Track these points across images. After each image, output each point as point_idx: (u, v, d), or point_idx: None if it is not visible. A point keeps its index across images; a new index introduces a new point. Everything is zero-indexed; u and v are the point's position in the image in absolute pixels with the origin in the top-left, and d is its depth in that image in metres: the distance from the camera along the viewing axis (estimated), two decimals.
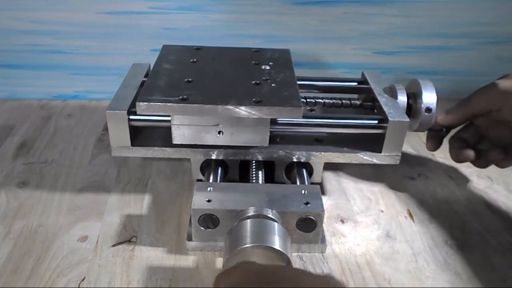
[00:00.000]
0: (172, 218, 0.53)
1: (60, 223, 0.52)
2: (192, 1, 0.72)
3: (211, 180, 0.52)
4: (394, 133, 0.51)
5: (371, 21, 0.75)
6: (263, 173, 0.54)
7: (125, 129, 0.51)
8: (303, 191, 0.48)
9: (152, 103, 0.47)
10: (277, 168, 0.56)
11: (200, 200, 0.46)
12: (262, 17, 0.74)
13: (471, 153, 0.55)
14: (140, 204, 0.55)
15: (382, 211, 0.56)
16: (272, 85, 0.52)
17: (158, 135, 0.54)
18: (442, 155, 0.67)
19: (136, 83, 0.56)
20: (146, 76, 0.58)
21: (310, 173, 0.55)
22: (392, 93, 0.57)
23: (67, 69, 0.76)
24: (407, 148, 0.69)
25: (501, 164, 0.55)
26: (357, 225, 0.53)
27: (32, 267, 0.46)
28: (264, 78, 0.53)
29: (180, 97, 0.48)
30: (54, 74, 0.77)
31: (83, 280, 0.45)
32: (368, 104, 0.58)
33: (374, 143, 0.53)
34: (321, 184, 0.59)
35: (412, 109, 0.56)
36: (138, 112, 0.48)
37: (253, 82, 0.52)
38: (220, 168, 0.54)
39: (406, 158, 0.66)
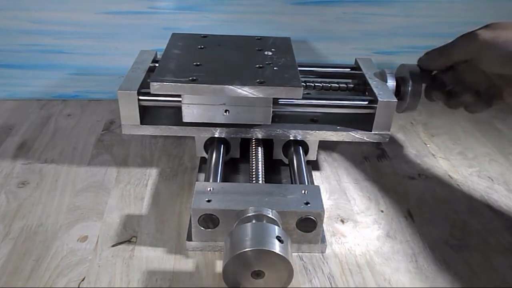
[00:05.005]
0: (172, 218, 0.53)
1: (60, 223, 0.52)
2: (192, 1, 0.72)
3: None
4: (383, 113, 0.55)
5: (371, 21, 0.75)
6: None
7: (135, 108, 0.54)
8: (303, 191, 0.48)
9: (164, 83, 0.51)
10: (275, 146, 0.60)
11: (200, 200, 0.47)
12: (262, 17, 0.74)
13: (439, 94, 0.58)
14: (140, 204, 0.55)
15: (382, 211, 0.56)
16: (274, 68, 0.55)
17: (165, 114, 0.58)
18: (442, 155, 0.67)
19: (144, 67, 0.60)
20: (153, 61, 0.63)
21: (306, 152, 0.59)
22: (382, 77, 0.60)
23: (67, 69, 0.76)
24: (407, 148, 0.69)
25: (470, 108, 0.57)
26: (357, 225, 0.53)
27: (32, 267, 0.46)
28: (266, 62, 0.57)
29: (190, 78, 0.51)
30: (54, 74, 0.77)
31: (83, 280, 0.45)
32: (360, 87, 0.63)
33: (365, 123, 0.57)
34: (315, 162, 0.63)
35: (400, 91, 0.60)
36: (152, 92, 0.51)
37: (257, 65, 0.56)
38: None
39: (406, 158, 0.66)
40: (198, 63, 0.55)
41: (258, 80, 0.51)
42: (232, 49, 0.61)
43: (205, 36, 0.64)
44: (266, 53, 0.59)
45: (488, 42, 0.50)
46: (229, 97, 0.53)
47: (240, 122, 0.55)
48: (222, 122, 0.55)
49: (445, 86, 0.58)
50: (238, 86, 0.50)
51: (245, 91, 0.51)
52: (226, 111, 0.54)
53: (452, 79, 0.58)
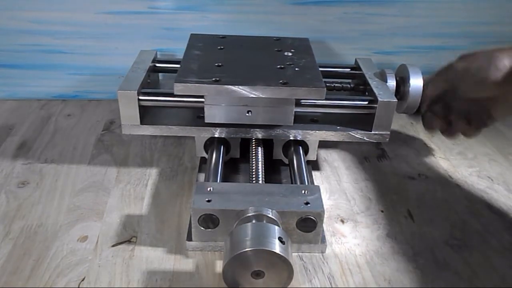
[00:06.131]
0: (172, 218, 0.53)
1: (60, 223, 0.52)
2: (192, 1, 0.72)
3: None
4: (383, 113, 0.55)
5: (371, 21, 0.75)
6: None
7: (135, 108, 0.54)
8: (303, 191, 0.48)
9: (188, 84, 0.51)
10: (275, 146, 0.60)
11: (200, 200, 0.47)
12: (262, 17, 0.74)
13: (439, 122, 0.60)
14: (140, 204, 0.55)
15: (382, 211, 0.56)
16: (296, 69, 0.56)
17: (165, 114, 0.58)
18: (442, 155, 0.67)
19: (144, 67, 0.60)
20: (153, 61, 0.64)
21: (306, 152, 0.59)
22: (382, 77, 0.60)
23: (67, 69, 0.76)
24: (407, 148, 0.69)
25: (467, 134, 0.60)
26: (357, 225, 0.53)
27: (32, 267, 0.46)
28: (287, 63, 0.57)
29: (213, 79, 0.51)
30: (54, 74, 0.77)
31: (83, 280, 0.45)
32: (360, 87, 0.63)
33: (365, 123, 0.57)
34: (315, 162, 0.63)
35: (400, 91, 0.60)
36: (175, 93, 0.52)
37: (278, 66, 0.56)
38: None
39: (406, 158, 0.66)
40: (220, 64, 0.55)
41: (281, 81, 0.52)
42: (252, 49, 0.61)
43: (223, 37, 0.65)
44: (285, 53, 0.60)
45: (462, 72, 0.55)
46: (252, 97, 0.52)
47: (262, 123, 0.55)
48: (245, 122, 0.55)
49: (440, 117, 0.61)
50: (263, 87, 0.51)
51: (270, 92, 0.51)
52: (248, 111, 0.54)
53: (444, 110, 0.60)
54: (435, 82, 0.59)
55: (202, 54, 0.59)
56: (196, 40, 0.63)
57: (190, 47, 0.61)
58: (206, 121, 0.55)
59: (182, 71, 0.53)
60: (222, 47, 0.61)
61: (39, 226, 0.51)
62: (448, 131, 0.61)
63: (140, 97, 0.54)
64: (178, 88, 0.51)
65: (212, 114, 0.55)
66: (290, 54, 0.60)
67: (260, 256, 0.41)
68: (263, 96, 0.51)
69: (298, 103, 0.57)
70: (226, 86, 0.51)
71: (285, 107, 0.54)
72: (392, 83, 0.59)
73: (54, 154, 0.64)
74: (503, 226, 0.54)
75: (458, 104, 0.59)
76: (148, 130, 0.56)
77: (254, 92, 0.51)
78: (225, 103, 0.54)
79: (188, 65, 0.55)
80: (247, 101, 0.54)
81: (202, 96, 0.54)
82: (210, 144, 0.59)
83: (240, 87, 0.51)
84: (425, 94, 0.59)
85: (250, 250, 0.40)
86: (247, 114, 0.54)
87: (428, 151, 0.68)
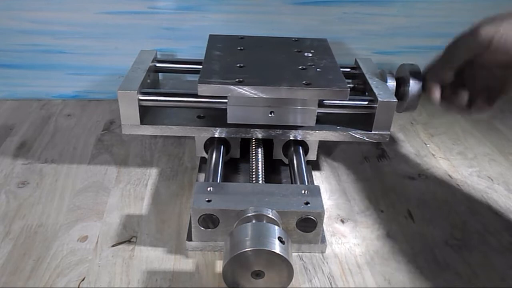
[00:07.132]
0: (172, 218, 0.53)
1: (60, 223, 0.52)
2: (192, 1, 0.72)
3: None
4: (383, 113, 0.55)
5: (371, 21, 0.75)
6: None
7: (135, 108, 0.54)
8: (303, 191, 0.48)
9: (212, 85, 0.51)
10: (275, 146, 0.60)
11: (200, 200, 0.47)
12: (262, 17, 0.74)
13: (458, 97, 0.55)
14: (140, 204, 0.55)
15: (382, 211, 0.56)
16: (317, 70, 0.56)
17: (165, 114, 0.58)
18: (442, 155, 0.67)
19: (144, 66, 0.60)
20: (153, 61, 0.64)
21: (306, 152, 0.59)
22: (382, 77, 0.61)
23: (67, 69, 0.76)
24: (407, 148, 0.69)
25: (483, 108, 0.55)
26: (357, 225, 0.53)
27: (32, 267, 0.46)
28: (308, 63, 0.57)
29: (236, 79, 0.51)
30: (54, 74, 0.77)
31: (83, 280, 0.45)
32: (360, 87, 0.63)
33: (365, 123, 0.57)
34: (315, 162, 0.63)
35: (400, 91, 0.60)
36: (198, 93, 0.51)
37: (299, 67, 0.56)
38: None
39: (406, 158, 0.66)
40: (241, 65, 0.55)
41: (304, 82, 0.52)
42: (271, 50, 0.61)
43: (242, 38, 0.65)
44: (306, 54, 0.60)
45: (490, 38, 0.49)
46: (275, 98, 0.52)
47: (285, 123, 0.55)
48: (267, 123, 0.55)
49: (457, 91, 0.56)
50: (286, 87, 0.51)
51: (294, 93, 0.51)
52: (271, 112, 0.54)
53: (458, 82, 0.55)
54: (456, 56, 0.54)
55: (223, 55, 0.59)
56: (215, 41, 0.63)
57: (210, 48, 0.61)
58: (229, 121, 0.55)
59: (204, 72, 0.53)
60: (242, 48, 0.61)
61: (39, 226, 0.51)
62: (468, 106, 0.55)
63: (140, 97, 0.54)
64: (202, 89, 0.51)
65: (235, 115, 0.55)
66: (310, 54, 0.60)
67: (260, 256, 0.41)
68: (287, 97, 0.51)
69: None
70: (250, 86, 0.51)
71: (307, 108, 0.55)
72: (392, 83, 0.59)
73: (54, 154, 0.64)
74: (503, 226, 0.54)
75: (480, 76, 0.53)
76: (148, 130, 0.56)
77: (277, 93, 0.51)
78: (248, 104, 0.54)
79: (210, 66, 0.55)
80: (270, 102, 0.54)
81: (202, 96, 0.54)
82: (210, 144, 0.58)
83: (263, 87, 0.51)
84: (446, 75, 0.55)
85: (250, 250, 0.40)
86: (269, 115, 0.55)
87: (428, 151, 0.68)
